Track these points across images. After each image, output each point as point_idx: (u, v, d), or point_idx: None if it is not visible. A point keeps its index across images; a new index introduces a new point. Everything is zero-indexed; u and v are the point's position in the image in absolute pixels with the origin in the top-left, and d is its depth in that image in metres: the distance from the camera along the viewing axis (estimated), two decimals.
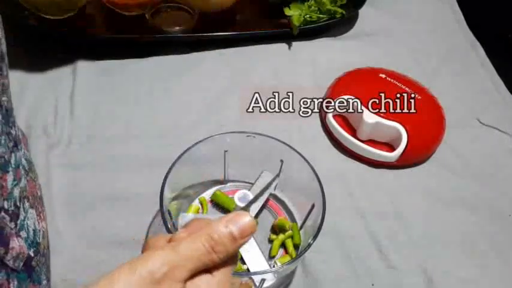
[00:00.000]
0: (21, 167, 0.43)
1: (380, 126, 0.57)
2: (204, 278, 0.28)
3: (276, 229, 0.50)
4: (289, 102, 0.65)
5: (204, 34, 0.70)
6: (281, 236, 0.49)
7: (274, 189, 0.51)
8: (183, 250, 0.27)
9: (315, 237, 0.41)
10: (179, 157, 0.46)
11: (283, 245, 0.49)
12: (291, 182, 0.51)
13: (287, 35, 0.72)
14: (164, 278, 0.26)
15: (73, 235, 0.50)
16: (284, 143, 0.48)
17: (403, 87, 0.62)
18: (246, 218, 0.29)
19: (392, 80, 0.63)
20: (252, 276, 0.42)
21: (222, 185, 0.54)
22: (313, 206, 0.47)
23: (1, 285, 0.34)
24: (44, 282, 0.42)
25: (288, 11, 0.70)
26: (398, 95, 0.61)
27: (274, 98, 0.65)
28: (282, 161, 0.50)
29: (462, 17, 0.81)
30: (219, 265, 0.29)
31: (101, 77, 0.65)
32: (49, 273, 0.45)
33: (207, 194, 0.53)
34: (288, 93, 0.66)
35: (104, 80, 0.65)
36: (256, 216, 0.50)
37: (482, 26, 0.79)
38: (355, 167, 0.59)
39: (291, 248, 0.48)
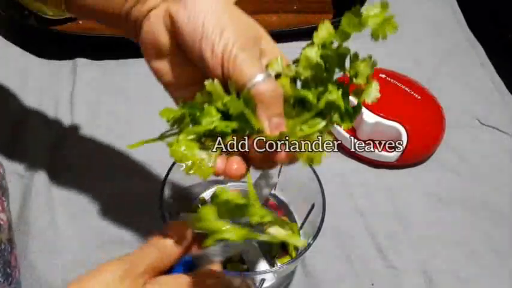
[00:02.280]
0: None
1: (380, 126, 0.57)
2: (165, 277, 0.31)
3: None
4: None
5: None
6: None
7: (274, 189, 0.51)
8: (136, 252, 0.31)
9: (314, 237, 0.41)
10: None
11: (283, 245, 0.49)
12: (291, 182, 0.51)
13: (287, 35, 0.72)
14: (124, 276, 0.29)
15: (73, 235, 0.50)
16: None
17: (403, 87, 0.62)
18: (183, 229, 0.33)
19: (392, 80, 0.63)
20: (252, 276, 0.42)
21: (222, 185, 0.54)
22: (313, 206, 0.47)
23: None
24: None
25: None
26: (398, 95, 0.61)
27: None
28: None
29: (462, 17, 0.80)
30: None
31: (100, 76, 0.65)
32: (10, 268, 0.43)
33: (207, 194, 0.53)
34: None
35: (104, 79, 0.65)
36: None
37: (482, 26, 0.79)
38: (355, 166, 0.59)
39: (291, 248, 0.48)
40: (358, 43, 0.78)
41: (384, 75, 0.63)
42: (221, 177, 0.54)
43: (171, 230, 0.33)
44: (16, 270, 0.44)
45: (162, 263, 0.32)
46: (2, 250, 0.42)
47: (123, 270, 0.29)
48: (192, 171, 0.31)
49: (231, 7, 0.32)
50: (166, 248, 0.32)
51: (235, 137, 0.31)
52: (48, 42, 0.68)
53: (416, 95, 0.61)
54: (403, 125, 0.57)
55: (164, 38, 0.33)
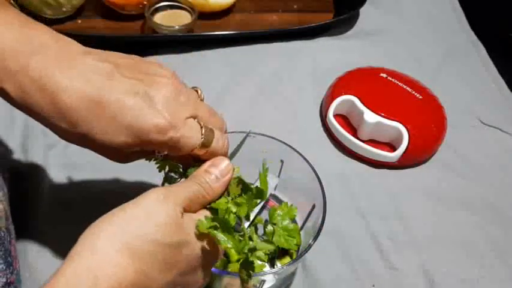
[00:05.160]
0: None
1: (381, 126, 0.57)
2: (201, 212, 0.33)
3: None
4: (289, 102, 0.65)
5: (204, 34, 0.70)
6: None
7: (275, 189, 0.51)
8: (178, 185, 0.33)
9: (315, 238, 0.41)
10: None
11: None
12: (291, 182, 0.50)
13: (287, 34, 0.72)
14: (164, 200, 0.30)
15: (72, 235, 0.49)
16: (284, 143, 0.48)
17: (404, 86, 0.62)
18: (224, 162, 0.35)
19: (393, 80, 0.62)
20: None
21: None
22: (313, 207, 0.46)
23: None
24: (1, 266, 0.40)
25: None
26: (399, 95, 0.61)
27: (275, 97, 0.65)
28: (282, 161, 0.49)
29: (463, 16, 0.80)
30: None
31: None
32: (10, 257, 0.42)
33: None
34: (288, 93, 0.66)
35: None
36: (256, 216, 0.50)
37: (483, 26, 0.79)
38: (356, 167, 0.59)
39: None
40: (358, 42, 0.78)
41: (385, 75, 0.63)
42: None
43: (213, 166, 0.34)
44: (16, 261, 0.43)
45: (202, 197, 0.33)
46: (1, 238, 0.42)
47: (165, 195, 0.30)
48: None
49: None
50: (207, 183, 0.33)
51: None
52: None
53: (418, 95, 0.61)
54: (404, 125, 0.57)
55: None
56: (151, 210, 0.30)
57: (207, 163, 0.35)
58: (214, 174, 0.34)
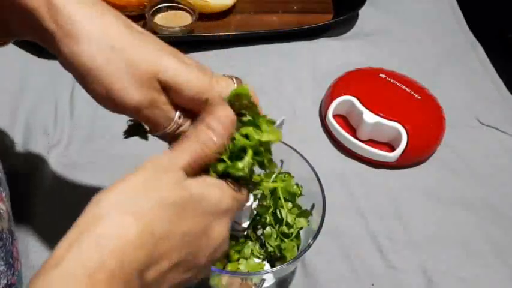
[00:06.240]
0: None
1: (380, 126, 0.57)
2: (212, 179, 0.30)
3: None
4: (289, 102, 0.65)
5: (204, 34, 0.70)
6: None
7: None
8: (177, 147, 0.30)
9: (315, 237, 0.41)
10: None
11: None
12: None
13: (287, 35, 0.72)
14: (164, 171, 0.29)
15: None
16: (284, 143, 0.48)
17: (403, 87, 0.62)
18: (223, 112, 0.31)
19: (392, 80, 0.63)
20: (252, 276, 0.42)
21: None
22: (313, 206, 0.47)
23: None
24: (2, 268, 0.40)
25: None
26: (398, 95, 0.61)
27: (275, 97, 0.66)
28: (282, 161, 0.49)
29: (462, 17, 0.80)
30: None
31: None
32: (12, 259, 0.42)
33: None
34: (288, 93, 0.66)
35: None
36: (255, 217, 0.50)
37: (482, 26, 0.79)
38: (355, 167, 0.59)
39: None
40: (357, 43, 0.79)
41: (384, 76, 0.63)
42: None
43: (214, 120, 0.30)
44: (18, 262, 0.44)
45: (204, 157, 0.30)
46: (3, 239, 0.42)
47: (163, 166, 0.29)
48: None
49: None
50: (209, 141, 0.30)
51: None
52: None
53: (417, 95, 0.61)
54: (403, 125, 0.57)
55: None
56: (153, 184, 0.29)
57: (206, 115, 0.31)
58: (217, 129, 0.30)
